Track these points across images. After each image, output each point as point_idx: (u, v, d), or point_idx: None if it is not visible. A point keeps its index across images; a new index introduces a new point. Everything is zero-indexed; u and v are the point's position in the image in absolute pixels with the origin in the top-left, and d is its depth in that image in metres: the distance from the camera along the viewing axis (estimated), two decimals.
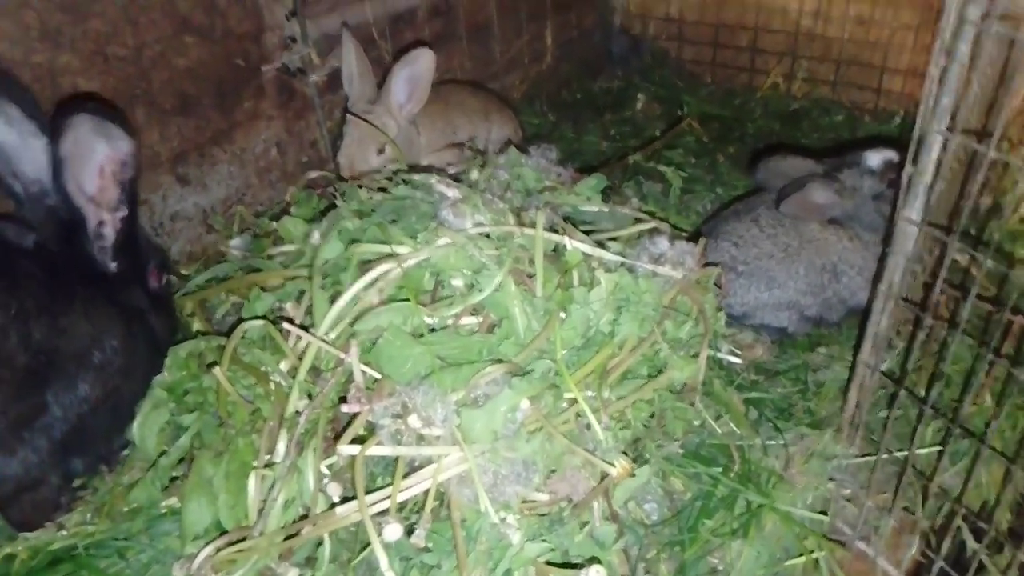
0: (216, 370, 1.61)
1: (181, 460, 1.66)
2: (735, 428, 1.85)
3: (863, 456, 1.79)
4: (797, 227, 2.10)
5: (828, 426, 1.87)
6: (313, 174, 2.43)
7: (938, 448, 1.72)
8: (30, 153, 1.56)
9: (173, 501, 1.62)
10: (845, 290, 2.11)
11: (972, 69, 1.37)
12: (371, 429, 1.50)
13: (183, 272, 2.20)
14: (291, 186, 2.38)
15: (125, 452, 1.76)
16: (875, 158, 2.09)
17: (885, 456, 1.69)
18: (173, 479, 1.65)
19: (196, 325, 1.96)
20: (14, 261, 1.48)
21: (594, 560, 1.37)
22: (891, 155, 2.08)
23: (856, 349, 1.72)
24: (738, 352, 2.06)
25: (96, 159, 1.53)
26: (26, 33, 1.77)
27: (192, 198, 2.26)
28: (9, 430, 1.40)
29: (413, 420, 1.42)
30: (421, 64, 2.38)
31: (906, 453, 1.65)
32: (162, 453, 1.65)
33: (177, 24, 2.06)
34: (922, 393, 1.88)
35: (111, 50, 1.93)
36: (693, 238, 2.19)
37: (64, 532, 1.59)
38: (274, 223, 2.17)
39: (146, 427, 1.68)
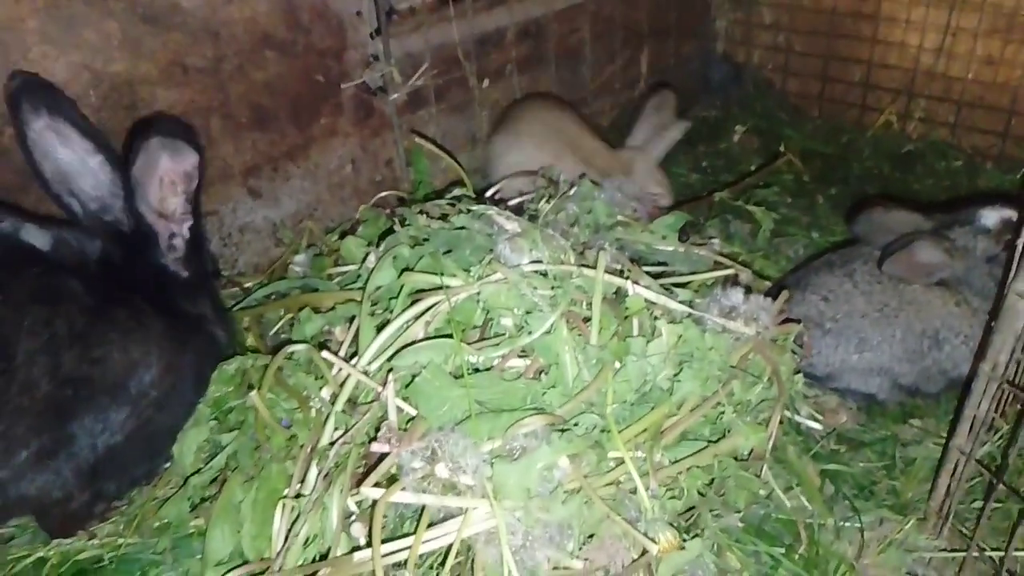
0: (253, 394, 1.57)
1: (215, 480, 1.63)
2: (806, 503, 1.67)
3: (951, 551, 1.58)
4: (897, 286, 1.89)
5: (914, 511, 1.66)
6: (385, 193, 2.39)
7: None
8: (88, 171, 1.61)
9: (202, 521, 1.59)
10: (947, 360, 1.88)
11: None
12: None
13: (247, 284, 2.20)
14: (362, 204, 2.35)
15: (167, 465, 1.75)
16: (991, 216, 1.86)
17: (976, 554, 1.49)
18: (205, 499, 1.62)
19: (249, 340, 1.94)
20: (59, 284, 1.48)
21: None
22: (1009, 213, 1.84)
23: (951, 430, 1.52)
24: (819, 417, 1.87)
25: (162, 174, 1.57)
26: (107, 42, 1.80)
27: (262, 211, 2.25)
28: (30, 460, 1.40)
29: (441, 469, 1.32)
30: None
31: (1001, 553, 1.44)
32: (196, 471, 1.62)
33: (258, 38, 2.06)
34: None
35: (190, 61, 1.95)
36: (778, 289, 2.02)
37: (95, 542, 1.58)
38: (340, 241, 2.14)
39: (185, 443, 1.66)
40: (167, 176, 1.56)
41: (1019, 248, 1.29)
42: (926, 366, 1.90)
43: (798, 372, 1.72)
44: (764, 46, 3.49)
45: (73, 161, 1.60)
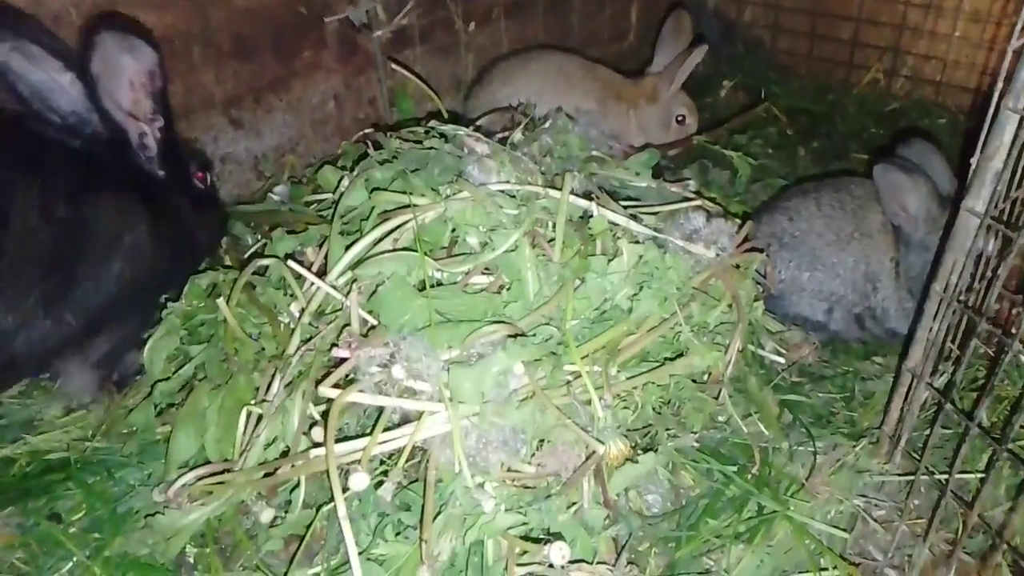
0: (220, 301, 1.60)
1: (183, 388, 1.67)
2: (764, 429, 1.70)
3: (901, 475, 1.61)
4: (858, 216, 1.92)
5: (868, 438, 1.70)
6: (368, 131, 2.40)
7: (979, 474, 1.53)
8: (60, 88, 1.64)
9: (168, 427, 1.62)
10: (880, 310, 1.93)
11: None
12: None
13: None
14: (345, 141, 2.36)
15: (139, 377, 1.79)
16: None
17: (925, 477, 1.52)
18: (172, 406, 1.65)
19: (227, 261, 1.97)
20: (44, 147, 1.57)
21: (558, 537, 1.27)
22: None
23: (903, 352, 1.54)
24: (783, 351, 1.90)
25: (126, 73, 1.60)
26: None
27: (244, 142, 2.27)
28: (37, 305, 1.49)
29: (397, 371, 1.35)
30: None
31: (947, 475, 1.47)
32: (165, 379, 1.66)
33: None
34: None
35: None
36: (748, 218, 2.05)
37: (62, 444, 1.63)
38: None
39: (155, 352, 1.69)
40: (135, 78, 1.60)
41: (972, 166, 1.31)
42: (871, 306, 1.94)
43: (758, 300, 1.75)
44: (755, 2, 3.48)
45: (45, 80, 1.64)
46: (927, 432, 1.69)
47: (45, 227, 1.48)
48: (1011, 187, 1.40)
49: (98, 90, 1.61)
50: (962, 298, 1.42)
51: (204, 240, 1.91)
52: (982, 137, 1.29)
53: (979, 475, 1.57)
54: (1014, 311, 1.73)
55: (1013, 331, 1.24)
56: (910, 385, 1.54)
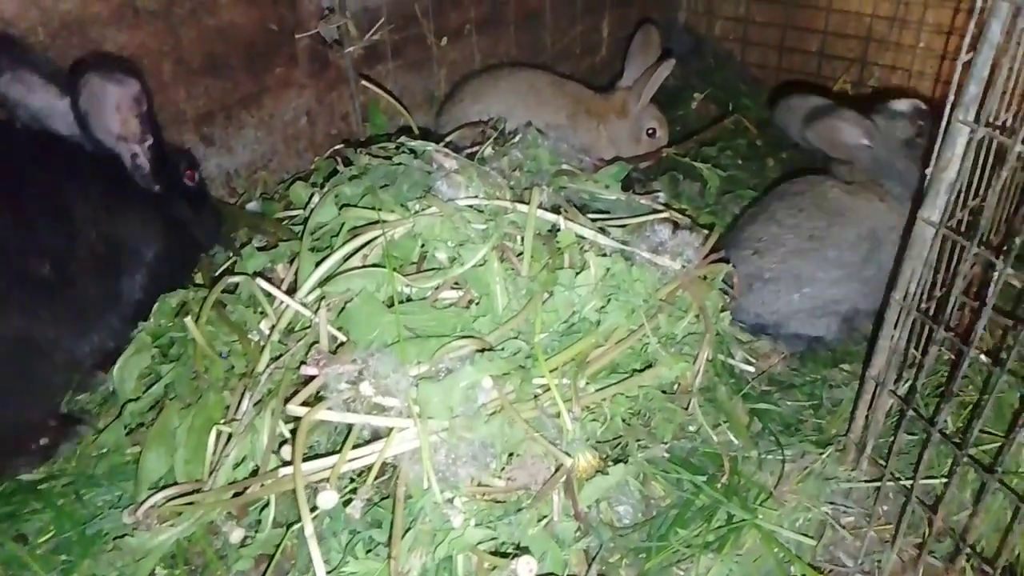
0: (188, 320, 1.59)
1: (153, 407, 1.66)
2: (733, 438, 1.72)
3: (867, 481, 1.64)
4: (821, 205, 1.94)
5: (835, 446, 1.72)
6: (340, 146, 2.41)
7: (943, 479, 1.56)
8: (57, 113, 1.73)
9: (139, 448, 1.61)
10: (889, 260, 1.88)
11: (1006, 52, 1.23)
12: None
13: None
14: (317, 156, 2.37)
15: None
16: (903, 104, 1.99)
17: (891, 483, 1.54)
18: (142, 425, 1.64)
19: (197, 279, 1.96)
20: (83, 165, 1.72)
21: (525, 551, 1.28)
22: (919, 103, 1.97)
23: (866, 361, 1.57)
24: (752, 361, 1.93)
25: (112, 102, 1.70)
26: None
27: (216, 159, 2.27)
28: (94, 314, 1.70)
29: (365, 387, 1.36)
30: None
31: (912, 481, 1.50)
32: (135, 399, 1.65)
33: None
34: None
35: (141, 3, 1.96)
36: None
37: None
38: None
39: (126, 370, 1.69)
40: (122, 103, 1.70)
41: (928, 176, 1.34)
42: (868, 276, 1.94)
43: (724, 310, 1.77)
44: (725, 17, 3.54)
45: (43, 107, 1.73)
46: (891, 436, 1.72)
47: (98, 246, 1.67)
48: (967, 197, 1.43)
49: (89, 123, 1.70)
50: (923, 306, 1.45)
51: (203, 238, 2.02)
52: (936, 149, 1.32)
53: (943, 480, 1.59)
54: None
55: (972, 338, 1.27)
56: (874, 392, 1.56)
